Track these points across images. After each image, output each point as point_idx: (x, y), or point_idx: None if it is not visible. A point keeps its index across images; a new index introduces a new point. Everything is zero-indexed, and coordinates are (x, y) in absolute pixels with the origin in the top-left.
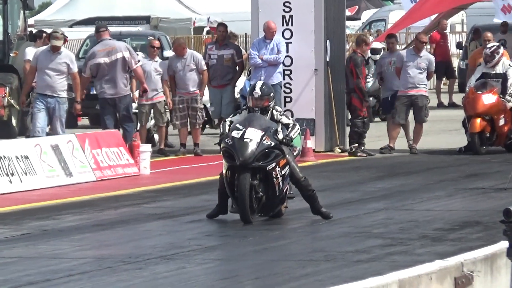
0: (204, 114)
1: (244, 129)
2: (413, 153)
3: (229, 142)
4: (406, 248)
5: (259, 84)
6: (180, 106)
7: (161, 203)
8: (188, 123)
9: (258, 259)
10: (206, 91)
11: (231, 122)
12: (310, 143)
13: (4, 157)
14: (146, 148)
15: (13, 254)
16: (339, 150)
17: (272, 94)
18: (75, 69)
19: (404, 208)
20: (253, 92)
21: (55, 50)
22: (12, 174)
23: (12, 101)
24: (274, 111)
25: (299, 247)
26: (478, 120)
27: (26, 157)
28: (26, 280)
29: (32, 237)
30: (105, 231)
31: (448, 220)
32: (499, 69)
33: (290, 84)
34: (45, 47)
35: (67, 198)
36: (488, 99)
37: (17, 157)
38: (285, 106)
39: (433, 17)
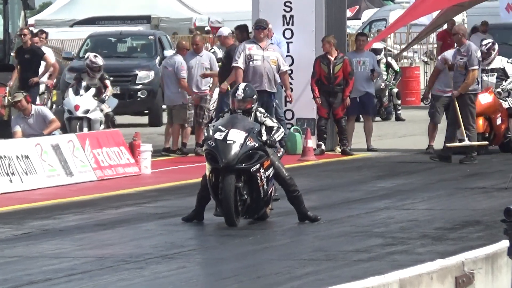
0: (210, 115)
1: (227, 130)
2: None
3: (212, 144)
4: (407, 248)
5: (241, 86)
6: (189, 105)
7: (162, 202)
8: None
9: (259, 259)
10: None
11: (214, 126)
12: (311, 143)
13: (5, 156)
14: (147, 148)
15: (14, 253)
16: (340, 150)
17: (255, 96)
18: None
19: (405, 207)
20: (236, 94)
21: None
22: (13, 174)
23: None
24: (257, 113)
25: (299, 246)
26: (481, 120)
27: (27, 157)
28: (27, 279)
29: (33, 237)
30: (106, 231)
31: (449, 220)
32: (495, 64)
33: (291, 84)
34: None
35: (68, 197)
36: (485, 98)
37: (17, 157)
38: (285, 106)
39: (434, 15)
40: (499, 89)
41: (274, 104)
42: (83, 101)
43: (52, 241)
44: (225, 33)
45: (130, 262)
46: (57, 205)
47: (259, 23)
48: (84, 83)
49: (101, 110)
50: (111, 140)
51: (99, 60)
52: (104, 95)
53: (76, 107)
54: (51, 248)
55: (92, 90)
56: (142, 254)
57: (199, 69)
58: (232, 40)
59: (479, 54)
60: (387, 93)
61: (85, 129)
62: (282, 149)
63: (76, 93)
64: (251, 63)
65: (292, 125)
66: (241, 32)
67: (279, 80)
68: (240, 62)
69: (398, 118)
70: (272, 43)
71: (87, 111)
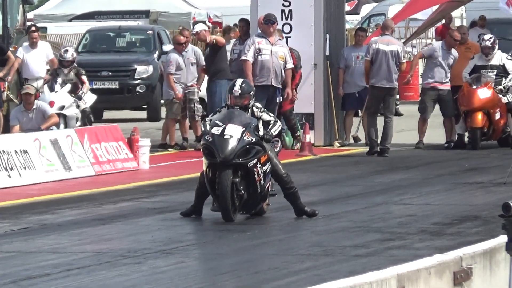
0: (201, 106)
1: (224, 125)
2: (418, 148)
3: (209, 139)
4: (405, 243)
5: (238, 82)
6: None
7: (160, 197)
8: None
9: (256, 254)
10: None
11: (211, 120)
12: (309, 138)
13: (3, 151)
14: (145, 143)
15: (12, 248)
16: (338, 144)
17: (252, 92)
18: None
19: (403, 202)
20: (233, 90)
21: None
22: (11, 169)
23: (11, 96)
24: (254, 108)
25: (298, 241)
26: (479, 115)
27: (25, 152)
28: (25, 274)
29: (31, 232)
30: (104, 226)
31: (447, 215)
32: (495, 60)
33: None
34: None
35: (66, 192)
36: (484, 93)
37: (16, 152)
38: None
39: (434, 9)
40: (500, 87)
41: (278, 99)
42: (58, 98)
43: (50, 236)
44: (200, 28)
45: (128, 257)
46: (55, 200)
47: (269, 17)
48: (60, 79)
49: (78, 107)
50: (109, 135)
51: (69, 55)
52: (80, 91)
53: (51, 104)
54: (49, 243)
55: (68, 86)
56: (140, 249)
57: (186, 64)
58: (208, 34)
59: (370, 50)
60: None
61: (61, 126)
62: (279, 144)
63: (51, 89)
64: (259, 57)
65: None
66: (247, 24)
67: None
68: (249, 56)
69: (396, 113)
70: (280, 39)
71: (62, 108)
